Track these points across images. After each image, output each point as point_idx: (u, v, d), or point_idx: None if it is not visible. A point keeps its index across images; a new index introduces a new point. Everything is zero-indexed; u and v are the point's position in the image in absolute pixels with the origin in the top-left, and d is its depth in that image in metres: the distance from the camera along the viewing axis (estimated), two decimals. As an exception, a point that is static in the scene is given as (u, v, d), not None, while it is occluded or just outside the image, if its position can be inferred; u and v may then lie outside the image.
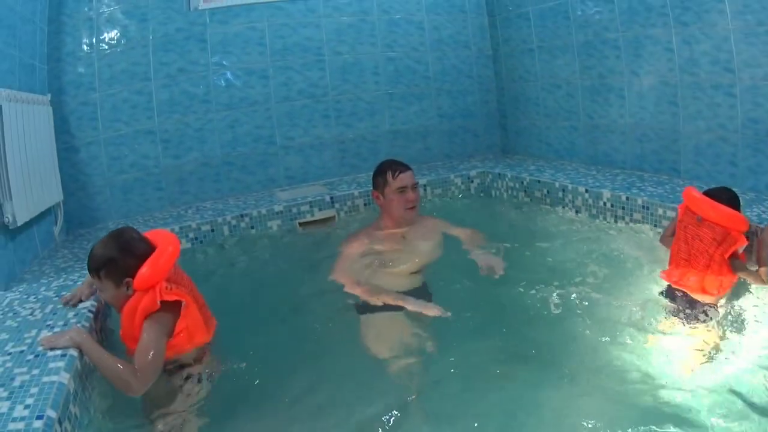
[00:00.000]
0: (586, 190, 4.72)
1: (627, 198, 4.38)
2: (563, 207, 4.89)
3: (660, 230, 3.99)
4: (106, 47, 5.01)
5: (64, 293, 3.03)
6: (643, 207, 4.25)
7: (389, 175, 3.85)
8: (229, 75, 5.39)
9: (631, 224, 4.30)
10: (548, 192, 5.06)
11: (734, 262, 3.07)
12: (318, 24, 5.64)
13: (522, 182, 5.31)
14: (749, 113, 4.14)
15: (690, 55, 4.46)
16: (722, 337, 2.94)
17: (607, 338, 3.00)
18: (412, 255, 3.73)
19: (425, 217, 4.20)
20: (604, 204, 4.56)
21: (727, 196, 3.16)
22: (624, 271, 3.69)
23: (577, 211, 4.77)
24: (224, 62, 5.37)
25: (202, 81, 5.29)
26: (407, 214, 3.85)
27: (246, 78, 5.43)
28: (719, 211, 3.06)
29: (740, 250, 3.08)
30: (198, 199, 5.35)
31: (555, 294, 3.40)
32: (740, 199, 3.20)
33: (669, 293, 3.31)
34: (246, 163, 5.48)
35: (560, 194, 4.93)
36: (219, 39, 5.33)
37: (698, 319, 3.08)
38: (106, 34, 5.01)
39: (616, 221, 4.44)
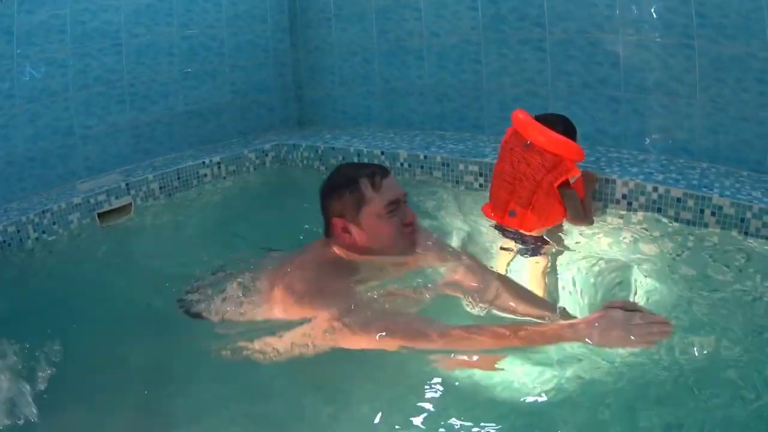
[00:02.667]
0: (382, 152, 5.21)
1: (425, 157, 4.89)
2: None
3: (462, 188, 4.50)
4: None
5: None
6: (443, 164, 4.77)
7: (366, 186, 2.68)
8: (30, 67, 5.41)
9: (431, 182, 4.78)
10: (343, 158, 5.48)
11: (565, 192, 3.22)
12: (118, 6, 5.75)
13: (317, 150, 5.78)
14: (561, 66, 4.61)
15: (496, 12, 4.85)
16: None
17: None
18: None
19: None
20: (401, 165, 5.05)
21: (562, 125, 3.29)
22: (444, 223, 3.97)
23: None
24: (28, 53, 5.38)
25: (7, 75, 5.28)
26: (408, 239, 2.77)
27: (47, 68, 5.48)
28: (550, 137, 3.13)
29: (572, 181, 3.26)
30: (5, 200, 5.35)
31: None
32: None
33: (499, 227, 3.46)
34: (47, 157, 5.57)
35: (356, 159, 5.37)
36: (25, 30, 5.33)
37: (535, 253, 3.22)
38: None
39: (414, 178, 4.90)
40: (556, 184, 3.20)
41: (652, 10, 4.16)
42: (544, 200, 3.24)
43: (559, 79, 4.68)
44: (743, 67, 3.89)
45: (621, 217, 3.95)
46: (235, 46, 6.53)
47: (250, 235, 4.52)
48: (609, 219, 3.96)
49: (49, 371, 2.93)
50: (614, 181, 3.97)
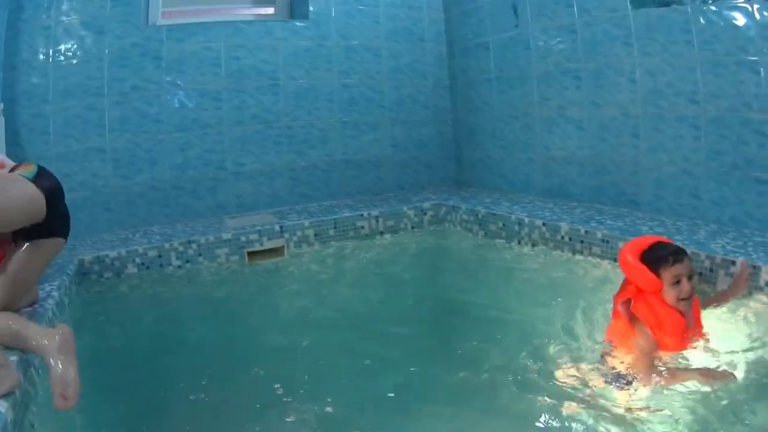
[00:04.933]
0: (544, 224, 5.15)
1: (586, 232, 4.81)
2: (519, 242, 5.33)
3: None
4: (62, 58, 5.40)
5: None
6: (603, 241, 4.67)
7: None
8: (182, 95, 5.81)
9: (589, 258, 4.70)
10: (504, 225, 5.49)
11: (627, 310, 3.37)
12: (275, 47, 6.13)
13: (477, 215, 5.77)
14: (714, 145, 4.57)
15: (654, 86, 4.91)
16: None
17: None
18: None
19: None
20: (562, 238, 4.97)
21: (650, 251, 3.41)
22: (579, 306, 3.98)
23: (533, 245, 5.20)
24: (178, 82, 5.78)
25: (155, 100, 5.71)
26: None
27: (199, 99, 5.86)
28: (626, 263, 3.40)
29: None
30: (146, 223, 5.76)
31: (510, 328, 3.88)
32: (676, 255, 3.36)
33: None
34: (196, 187, 5.92)
35: (516, 227, 5.37)
36: (174, 57, 5.74)
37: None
38: (62, 45, 5.40)
39: (574, 254, 4.83)
40: (617, 298, 3.46)
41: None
42: (615, 317, 3.50)
43: (711, 159, 4.65)
44: None
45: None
46: (396, 100, 6.78)
47: (400, 295, 4.76)
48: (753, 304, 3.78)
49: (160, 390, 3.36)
50: (759, 268, 3.91)
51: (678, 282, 3.35)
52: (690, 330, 3.43)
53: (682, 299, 3.37)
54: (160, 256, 5.19)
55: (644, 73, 4.99)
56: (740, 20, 4.28)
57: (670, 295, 3.36)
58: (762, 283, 3.77)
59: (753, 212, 4.48)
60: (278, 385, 3.35)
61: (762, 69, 4.21)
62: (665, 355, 3.32)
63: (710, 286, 3.98)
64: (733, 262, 3.89)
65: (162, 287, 4.99)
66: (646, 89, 4.99)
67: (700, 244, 4.19)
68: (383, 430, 3.02)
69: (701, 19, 4.51)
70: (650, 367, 3.24)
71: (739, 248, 4.06)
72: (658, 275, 3.36)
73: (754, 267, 3.78)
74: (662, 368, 3.12)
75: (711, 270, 4.01)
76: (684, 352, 3.33)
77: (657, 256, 3.40)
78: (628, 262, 3.41)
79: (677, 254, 3.40)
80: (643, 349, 3.33)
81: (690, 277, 3.38)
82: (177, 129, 5.80)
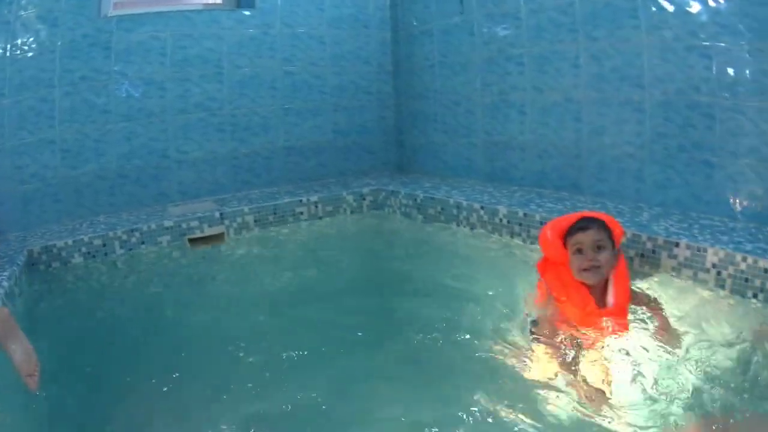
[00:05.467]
0: (482, 207, 5.27)
1: (524, 215, 4.91)
2: (457, 225, 5.45)
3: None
4: (19, 52, 5.33)
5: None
6: (541, 223, 4.69)
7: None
8: (128, 85, 5.80)
9: (528, 242, 4.81)
10: (442, 209, 5.61)
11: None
12: (220, 36, 6.13)
13: (416, 199, 5.89)
14: (659, 128, 4.66)
15: (598, 70, 4.99)
16: None
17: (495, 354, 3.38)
18: None
19: None
20: (500, 221, 5.09)
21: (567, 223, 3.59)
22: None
23: (472, 228, 5.33)
24: (126, 72, 5.77)
25: (104, 90, 5.69)
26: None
27: (145, 88, 5.86)
28: (541, 235, 3.66)
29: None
30: (92, 213, 5.77)
31: (445, 310, 3.96)
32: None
33: None
34: (140, 176, 5.93)
35: (455, 211, 5.48)
36: (123, 47, 5.72)
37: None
38: (20, 39, 5.32)
39: (512, 237, 4.96)
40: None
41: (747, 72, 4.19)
42: None
43: (655, 141, 4.74)
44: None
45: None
46: (339, 86, 6.82)
47: (338, 277, 4.89)
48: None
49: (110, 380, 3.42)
50: (705, 250, 4.00)
51: (580, 251, 3.45)
52: (604, 310, 3.48)
53: (584, 270, 3.45)
54: (104, 245, 5.23)
55: (589, 58, 5.08)
56: (692, 6, 4.37)
57: (573, 264, 3.48)
58: (708, 264, 3.86)
59: (701, 195, 4.56)
60: (218, 369, 3.56)
61: (713, 54, 4.31)
62: (579, 333, 3.38)
63: (653, 268, 4.08)
64: (677, 244, 3.99)
65: (106, 275, 5.06)
66: (590, 74, 5.09)
67: (642, 226, 4.29)
68: (318, 409, 3.11)
69: (651, 6, 4.60)
70: (551, 334, 3.36)
71: (684, 230, 4.18)
72: (565, 245, 3.50)
73: (699, 249, 3.89)
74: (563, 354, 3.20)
75: (653, 251, 4.12)
76: (605, 338, 3.35)
77: (567, 227, 3.55)
78: (543, 234, 3.59)
79: (584, 223, 3.52)
80: (544, 316, 3.49)
81: (598, 249, 3.45)
82: (123, 119, 5.80)
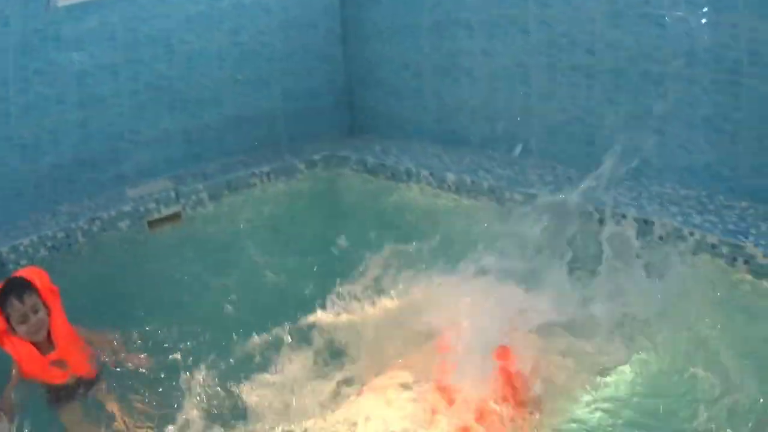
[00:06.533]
0: (431, 173, 5.46)
1: (472, 182, 5.10)
2: (408, 186, 5.68)
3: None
4: None
5: None
6: (490, 191, 4.95)
7: None
8: (80, 73, 5.78)
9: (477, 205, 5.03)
10: (393, 174, 5.79)
11: None
12: (168, 14, 6.09)
13: (366, 164, 6.06)
14: (610, 94, 4.79)
15: (549, 36, 5.08)
16: None
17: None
18: None
19: None
20: (449, 187, 5.28)
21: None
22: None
23: (421, 191, 5.52)
24: (77, 60, 5.74)
25: (56, 81, 5.67)
26: None
27: (97, 74, 5.85)
28: None
29: None
30: (54, 202, 5.79)
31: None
32: None
33: None
34: (97, 161, 5.96)
35: (405, 177, 5.66)
36: (73, 36, 5.68)
37: None
38: None
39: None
40: None
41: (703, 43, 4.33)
42: None
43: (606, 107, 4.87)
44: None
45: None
46: (287, 53, 6.82)
47: (293, 244, 5.23)
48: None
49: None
50: (653, 222, 4.17)
51: (24, 321, 3.63)
52: (52, 354, 3.76)
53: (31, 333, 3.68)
54: (68, 237, 5.33)
55: (539, 24, 5.17)
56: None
57: (20, 330, 3.66)
58: (656, 237, 4.07)
59: (651, 161, 4.72)
60: (183, 344, 4.11)
61: (666, 22, 4.44)
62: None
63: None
64: (624, 216, 4.17)
65: (72, 267, 5.20)
66: (540, 40, 5.18)
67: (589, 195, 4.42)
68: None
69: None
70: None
71: (633, 201, 4.37)
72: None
73: (646, 222, 4.09)
74: None
75: (600, 221, 4.30)
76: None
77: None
78: None
79: (17, 291, 3.63)
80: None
81: (35, 312, 3.65)
82: (78, 107, 5.80)
